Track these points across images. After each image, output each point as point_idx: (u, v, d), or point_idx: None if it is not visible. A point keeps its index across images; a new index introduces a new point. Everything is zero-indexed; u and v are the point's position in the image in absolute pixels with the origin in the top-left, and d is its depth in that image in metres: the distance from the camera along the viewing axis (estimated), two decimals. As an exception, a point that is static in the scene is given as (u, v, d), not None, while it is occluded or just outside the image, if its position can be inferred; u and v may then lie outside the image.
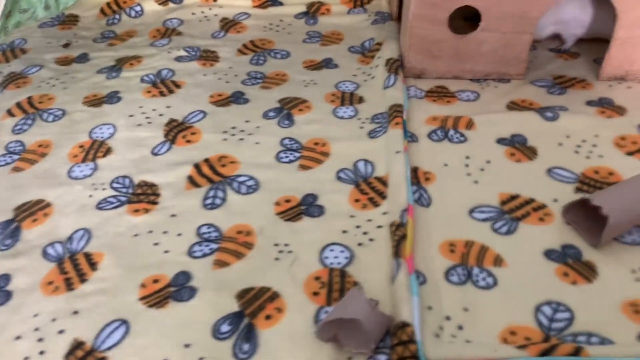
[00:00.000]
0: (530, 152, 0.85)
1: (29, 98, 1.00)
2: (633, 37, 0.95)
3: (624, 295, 0.65)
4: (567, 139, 0.87)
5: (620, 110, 0.93)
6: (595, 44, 1.09)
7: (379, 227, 0.74)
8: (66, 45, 1.16)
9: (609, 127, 0.89)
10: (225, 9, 1.26)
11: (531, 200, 0.77)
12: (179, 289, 0.67)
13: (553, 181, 0.80)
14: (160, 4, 1.27)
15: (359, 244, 0.72)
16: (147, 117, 0.94)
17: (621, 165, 0.82)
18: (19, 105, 0.98)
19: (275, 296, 0.66)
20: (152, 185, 0.82)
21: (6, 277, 0.70)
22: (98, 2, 1.27)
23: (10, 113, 0.97)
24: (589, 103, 0.95)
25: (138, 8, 1.25)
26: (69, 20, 1.25)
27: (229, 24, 1.22)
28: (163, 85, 1.03)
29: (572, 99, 0.96)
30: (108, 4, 1.26)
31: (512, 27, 0.95)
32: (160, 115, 0.95)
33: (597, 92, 0.98)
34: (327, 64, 1.08)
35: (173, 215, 0.77)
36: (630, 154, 0.84)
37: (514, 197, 0.78)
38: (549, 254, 0.70)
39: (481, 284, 0.66)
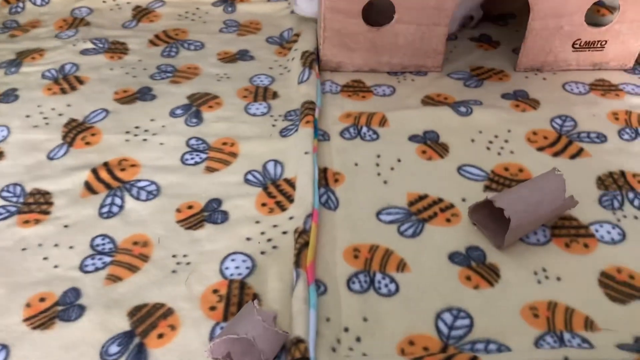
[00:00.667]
0: (442, 149, 0.84)
1: None
2: (547, 28, 0.95)
3: (524, 298, 0.65)
4: (479, 134, 0.86)
5: (534, 104, 0.92)
6: (516, 32, 1.08)
7: (284, 233, 0.71)
8: (-37, 37, 1.08)
9: (522, 121, 0.89)
10: (139, -3, 1.19)
11: (439, 200, 0.76)
12: (66, 307, 0.63)
13: (463, 179, 0.79)
14: (67, -9, 1.19)
15: (262, 253, 0.69)
16: (45, 118, 0.88)
17: (531, 161, 0.82)
18: None
19: (169, 313, 0.63)
20: (45, 194, 0.77)
21: None
22: (-1, -12, 1.18)
23: None
24: (504, 96, 0.94)
25: (43, -5, 1.17)
26: (-32, 9, 1.16)
27: (141, 13, 1.16)
28: (65, 81, 0.96)
29: (488, 92, 0.95)
30: (10, -9, 1.18)
31: (427, 19, 0.93)
32: (60, 115, 0.89)
33: (513, 84, 0.97)
34: (243, 55, 1.04)
35: (66, 226, 0.72)
36: (540, 149, 0.84)
37: (422, 197, 0.76)
38: (453, 257, 0.69)
39: (383, 291, 0.65)
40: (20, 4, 1.17)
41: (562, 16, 0.93)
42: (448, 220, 0.73)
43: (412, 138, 0.85)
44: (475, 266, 0.68)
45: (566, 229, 0.72)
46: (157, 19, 1.14)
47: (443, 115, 0.89)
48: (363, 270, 0.67)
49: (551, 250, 0.70)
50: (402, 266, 0.68)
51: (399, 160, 0.82)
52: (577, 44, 0.97)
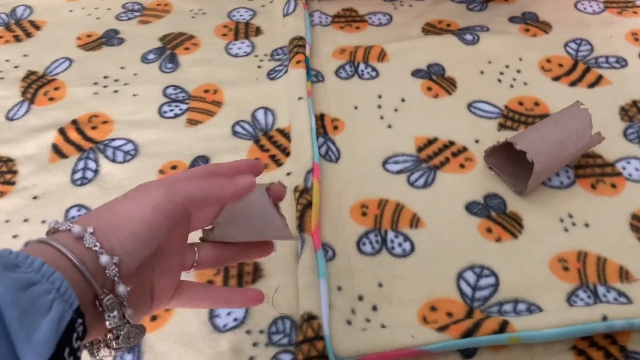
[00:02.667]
0: (449, 85, 0.75)
1: None
2: (558, -60, 0.85)
3: (551, 249, 0.59)
4: (488, 65, 0.78)
5: (545, 27, 0.84)
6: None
7: (282, 191, 0.64)
8: None
9: (533, 48, 0.80)
10: None
11: (450, 144, 0.69)
12: (45, 292, 0.56)
13: (474, 118, 0.72)
14: None
15: (259, 215, 0.62)
16: (-2, 71, 0.78)
17: (547, 93, 0.74)
18: None
19: (161, 290, 0.56)
20: (7, 161, 0.68)
21: None
22: None
23: None
24: (512, 19, 0.85)
25: None
26: None
27: (99, -58, 1.02)
28: (18, 27, 0.85)
29: (494, 15, 0.86)
30: None
31: None
32: (16, 67, 0.79)
33: (521, 5, 0.88)
34: (218, -13, 0.93)
35: (35, 198, 0.64)
36: (556, 78, 0.76)
37: (431, 142, 0.69)
38: (471, 208, 0.62)
39: (397, 251, 0.59)
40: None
41: None
42: (462, 165, 0.66)
43: (416, 73, 0.77)
44: (496, 216, 0.62)
45: (591, 168, 0.66)
46: (117, -52, 1.01)
47: (448, 44, 0.80)
48: (373, 229, 0.60)
49: (576, 194, 0.64)
50: (415, 221, 0.61)
51: (402, 100, 0.73)
52: (590, -44, 0.87)
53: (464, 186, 0.64)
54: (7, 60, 0.79)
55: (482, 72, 0.77)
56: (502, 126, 0.70)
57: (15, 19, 0.86)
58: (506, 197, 0.63)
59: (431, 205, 0.63)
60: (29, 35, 0.84)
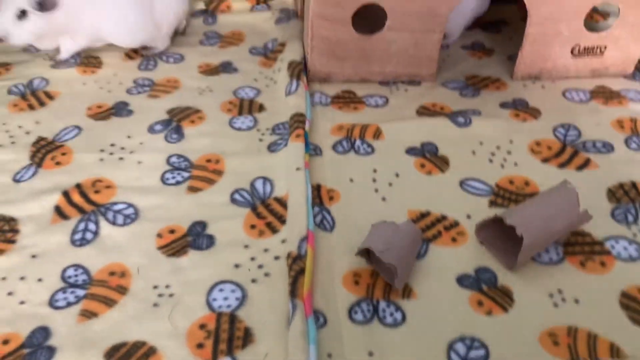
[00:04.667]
0: (441, 163, 0.78)
1: None
2: (545, 34, 0.91)
3: (542, 324, 0.59)
4: (480, 146, 0.81)
5: (534, 113, 0.88)
6: (510, 39, 1.04)
7: (277, 258, 0.65)
8: None
9: (523, 131, 0.84)
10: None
11: (443, 218, 0.70)
12: (34, 350, 0.56)
13: (466, 194, 0.74)
14: (37, 1, 1.12)
15: (253, 281, 0.63)
16: (10, 136, 0.81)
17: (537, 174, 0.77)
18: None
19: (151, 352, 0.56)
20: (10, 220, 0.69)
21: None
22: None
23: None
24: (503, 105, 0.90)
25: (11, 7, 1.10)
26: None
27: (116, 24, 1.09)
28: (33, 97, 0.89)
29: (486, 101, 0.90)
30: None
31: (420, 25, 0.88)
32: (27, 133, 0.82)
33: (512, 93, 0.93)
34: (226, 68, 0.98)
35: (34, 256, 0.65)
36: (545, 160, 0.79)
37: (424, 215, 0.71)
38: (462, 280, 0.63)
39: (388, 320, 0.59)
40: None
41: (561, 21, 0.89)
42: (454, 239, 0.68)
43: (410, 151, 0.80)
44: (487, 290, 0.62)
45: (580, 246, 0.67)
46: (133, 30, 1.08)
47: (441, 126, 0.84)
48: (365, 298, 0.61)
49: (566, 270, 0.65)
50: (407, 292, 0.62)
51: (397, 175, 0.76)
52: (575, 50, 0.93)
53: (455, 259, 0.66)
54: (19, 127, 0.83)
55: (473, 152, 0.80)
56: (493, 203, 0.73)
57: (31, 89, 0.91)
58: (497, 271, 0.64)
59: (423, 276, 0.63)
60: (42, 104, 0.88)
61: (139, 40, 0.97)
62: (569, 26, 0.90)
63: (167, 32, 1.01)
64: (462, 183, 0.75)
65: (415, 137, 0.82)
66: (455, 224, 0.70)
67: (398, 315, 0.59)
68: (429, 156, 0.79)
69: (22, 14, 0.87)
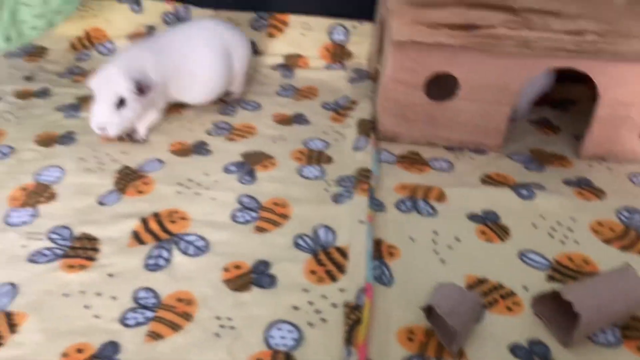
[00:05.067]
0: (502, 232, 0.80)
1: (-22, 131, 0.94)
2: (614, 117, 0.92)
3: (593, 404, 0.59)
4: (542, 220, 0.82)
5: (599, 193, 0.89)
6: (577, 118, 1.06)
7: (334, 305, 0.68)
8: (29, 78, 1.11)
9: (586, 210, 0.85)
10: (201, 53, 1.21)
11: (500, 286, 0.71)
12: (103, 362, 0.60)
13: (524, 266, 0.75)
14: (133, 42, 1.22)
15: (310, 324, 0.65)
16: (99, 163, 0.88)
17: (598, 254, 0.77)
18: (-36, 138, 0.92)
19: (209, 379, 0.59)
20: (92, 239, 0.75)
21: None
22: (68, 35, 1.22)
23: (-46, 146, 0.90)
24: (567, 182, 0.91)
25: (110, 45, 1.21)
26: (37, 52, 1.20)
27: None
28: (122, 128, 0.97)
29: (550, 177, 0.92)
30: (79, 39, 1.22)
31: (491, 97, 0.92)
32: (114, 161, 0.89)
33: (576, 171, 0.94)
34: (298, 119, 1.04)
35: (110, 275, 0.70)
36: (607, 241, 0.79)
37: (482, 281, 0.72)
38: (515, 350, 0.64)
39: (439, 380, 0.60)
40: (87, 52, 1.20)
41: (632, 105, 0.91)
42: (509, 308, 0.69)
43: (472, 217, 0.82)
44: (539, 362, 0.63)
45: (638, 331, 0.67)
46: (217, 76, 1.16)
47: (504, 196, 0.86)
48: (418, 355, 0.62)
49: (622, 354, 0.64)
50: (459, 354, 0.63)
51: (457, 239, 0.78)
52: (644, 135, 0.94)
53: (509, 328, 0.66)
54: (107, 154, 0.90)
55: (534, 225, 0.81)
56: (550, 278, 0.73)
57: (121, 121, 0.98)
58: (551, 345, 0.65)
59: (476, 341, 0.64)
60: (129, 136, 0.95)
61: (218, 94, 1.03)
62: (639, 111, 0.91)
63: (241, 79, 1.07)
64: (521, 254, 0.76)
65: (477, 204, 0.84)
66: (512, 293, 0.71)
67: (448, 376, 0.60)
68: (490, 224, 0.81)
69: (121, 103, 0.86)
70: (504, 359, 0.63)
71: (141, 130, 0.94)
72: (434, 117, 0.95)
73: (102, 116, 0.86)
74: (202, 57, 0.96)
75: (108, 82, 0.86)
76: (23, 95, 1.05)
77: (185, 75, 0.95)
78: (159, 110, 0.96)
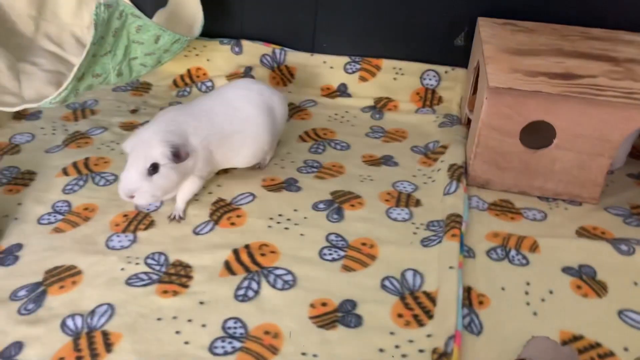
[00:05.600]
0: (599, 288, 0.76)
1: (86, 159, 1.00)
2: None
3: None
4: (643, 278, 0.78)
5: None
6: (681, 175, 1.01)
7: (421, 351, 0.66)
8: (134, 111, 1.19)
9: (693, 270, 0.79)
10: (294, 95, 1.26)
11: (597, 345, 0.68)
12: (191, 388, 0.62)
13: (624, 325, 0.71)
14: (229, 80, 1.28)
15: (396, 367, 0.64)
16: (195, 194, 0.92)
17: None
18: (74, 165, 0.99)
19: (293, 415, 0.59)
20: (186, 267, 0.78)
21: (19, 345, 0.66)
22: (172, 72, 1.30)
23: (65, 172, 0.97)
24: (671, 242, 0.86)
25: (209, 83, 1.27)
26: (142, 87, 1.28)
27: (294, 110, 1.21)
28: (218, 162, 1.01)
29: (652, 234, 0.87)
30: (181, 76, 1.29)
31: (589, 147, 0.89)
32: (210, 193, 0.93)
33: (681, 231, 0.89)
34: (387, 161, 1.05)
35: (201, 303, 0.72)
36: None
37: (577, 338, 0.69)
38: (615, 415, 0.60)
39: None
40: (188, 89, 1.27)
41: None
42: (608, 369, 0.65)
43: (566, 270, 0.79)
44: None
45: None
46: (308, 117, 1.19)
47: (601, 250, 0.82)
48: (508, 410, 0.60)
49: None
50: (553, 414, 0.60)
51: (550, 292, 0.75)
52: None
53: (608, 391, 0.63)
54: (203, 187, 0.94)
55: (635, 283, 0.77)
56: (654, 340, 0.69)
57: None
58: (655, 414, 0.60)
59: (571, 401, 0.61)
60: (225, 170, 0.99)
61: (262, 158, 0.97)
62: None
63: (275, 143, 1.00)
64: (620, 313, 0.72)
65: (573, 257, 0.81)
66: (611, 353, 0.67)
67: None
68: (586, 278, 0.77)
69: (154, 169, 0.78)
70: (602, 423, 0.59)
71: (180, 204, 0.87)
72: (528, 165, 0.93)
73: (130, 182, 0.78)
74: (248, 115, 0.90)
75: (142, 146, 0.78)
76: (128, 127, 1.13)
77: (232, 137, 0.88)
78: (201, 179, 0.87)
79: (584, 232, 0.87)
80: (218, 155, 0.88)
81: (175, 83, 1.29)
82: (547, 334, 0.68)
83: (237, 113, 0.89)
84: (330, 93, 1.26)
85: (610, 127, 0.87)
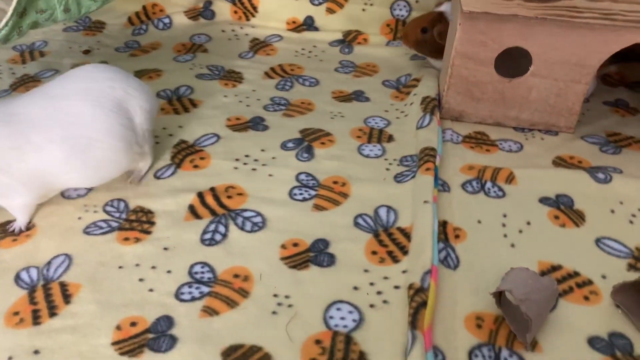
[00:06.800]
0: (577, 217, 0.74)
1: (36, 103, 0.94)
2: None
3: (684, 405, 0.54)
4: (620, 205, 0.76)
5: (683, 178, 0.82)
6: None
7: (396, 287, 0.64)
8: (87, 52, 1.11)
9: (669, 196, 0.78)
10: (258, 30, 1.19)
11: (575, 274, 0.66)
12: (157, 336, 0.58)
13: (602, 254, 0.69)
14: (190, 18, 1.21)
15: (371, 306, 0.62)
16: (155, 136, 0.86)
17: (683, 243, 0.71)
18: (24, 109, 0.92)
19: (266, 358, 0.56)
20: (148, 212, 0.73)
21: (-30, 301, 0.62)
22: (126, 10, 1.21)
23: (13, 117, 0.90)
24: (647, 167, 0.84)
25: (167, 20, 1.19)
26: (95, 27, 1.20)
27: (259, 45, 1.15)
28: (179, 102, 0.95)
29: (628, 161, 0.85)
30: (137, 14, 1.21)
31: (566, 74, 0.86)
32: (170, 135, 0.87)
33: (656, 154, 0.87)
34: (358, 96, 1.00)
35: (165, 249, 0.68)
36: (694, 230, 0.73)
37: (555, 268, 0.67)
38: (594, 343, 0.59)
39: (510, 371, 0.56)
40: (144, 27, 1.19)
41: None
42: (586, 298, 0.64)
43: (543, 200, 0.77)
44: (621, 357, 0.57)
45: None
46: (274, 52, 1.13)
47: (578, 179, 0.80)
48: (487, 344, 0.58)
49: None
50: (532, 344, 0.58)
51: (528, 223, 0.73)
52: None
53: (587, 319, 0.61)
54: (164, 129, 0.88)
55: (612, 211, 0.75)
56: (631, 267, 0.68)
57: (178, 95, 0.97)
58: (634, 339, 0.59)
59: (551, 331, 0.60)
60: (186, 110, 0.93)
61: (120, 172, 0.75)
62: None
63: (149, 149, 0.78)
64: (598, 241, 0.71)
65: (550, 187, 0.79)
66: (589, 282, 0.65)
67: (521, 367, 0.56)
68: (564, 208, 0.75)
69: None
70: (582, 351, 0.58)
71: (19, 218, 0.71)
72: (504, 95, 0.89)
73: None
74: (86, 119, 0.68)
75: None
76: (82, 69, 1.05)
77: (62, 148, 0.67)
78: (22, 203, 0.70)
79: (560, 162, 0.84)
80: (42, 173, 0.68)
81: (130, 21, 1.20)
82: (525, 265, 0.66)
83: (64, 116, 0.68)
84: (297, 27, 1.19)
85: (588, 51, 0.83)
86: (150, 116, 0.76)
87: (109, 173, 0.73)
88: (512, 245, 0.70)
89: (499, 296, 0.61)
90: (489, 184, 0.79)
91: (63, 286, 0.64)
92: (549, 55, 0.84)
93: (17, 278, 0.65)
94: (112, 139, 0.69)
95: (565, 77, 0.86)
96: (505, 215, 0.74)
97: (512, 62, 0.87)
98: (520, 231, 0.72)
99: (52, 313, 0.61)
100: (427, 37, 0.99)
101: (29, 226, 0.71)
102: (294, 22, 1.19)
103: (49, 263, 0.66)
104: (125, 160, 0.73)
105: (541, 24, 0.82)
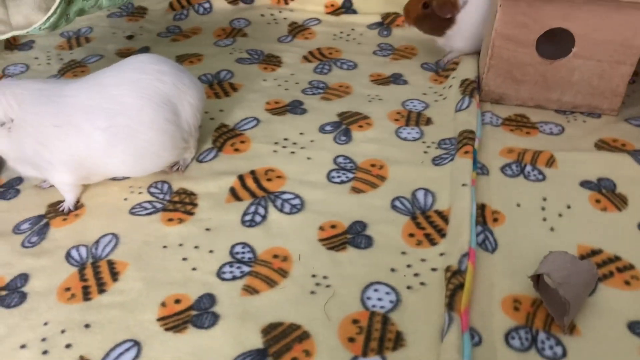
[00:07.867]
0: (619, 201, 0.73)
1: (83, 88, 0.97)
2: None
3: None
4: (665, 189, 0.75)
5: None
6: None
7: (434, 269, 0.65)
8: (130, 37, 1.14)
9: None
10: (296, 13, 1.20)
11: (616, 258, 0.66)
12: (200, 313, 0.61)
13: (645, 238, 0.68)
14: (230, 2, 1.22)
15: (408, 287, 0.63)
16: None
17: None
18: (72, 94, 0.95)
19: (305, 336, 0.58)
20: (190, 194, 0.76)
21: (24, 277, 0.65)
22: (168, -4, 1.24)
23: (62, 102, 0.94)
24: (695, 148, 0.82)
25: (207, 5, 1.21)
26: (137, 12, 1.22)
27: (297, 29, 1.16)
28: (219, 86, 0.97)
29: (675, 144, 0.83)
30: (178, -1, 1.23)
31: (610, 55, 0.84)
32: (212, 119, 0.89)
33: None
34: (396, 79, 1.00)
35: (208, 229, 0.71)
36: None
37: (595, 252, 0.66)
38: (634, 328, 0.58)
39: (547, 353, 0.56)
40: (185, 12, 1.21)
41: None
42: (627, 282, 0.63)
43: (584, 184, 0.76)
44: (662, 342, 0.57)
45: None
46: (312, 36, 1.14)
47: (621, 162, 0.79)
48: (524, 326, 0.58)
49: None
50: (570, 327, 0.58)
51: (568, 207, 0.72)
52: None
53: (627, 304, 0.61)
54: (206, 112, 0.90)
55: (657, 195, 0.74)
56: (676, 252, 0.66)
57: (218, 80, 0.99)
58: (676, 325, 0.59)
59: (590, 314, 0.59)
60: (227, 94, 0.95)
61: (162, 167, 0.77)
62: None
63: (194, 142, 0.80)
64: (640, 225, 0.70)
65: (591, 171, 0.77)
66: (630, 266, 0.65)
67: (558, 350, 0.56)
68: (606, 192, 0.74)
69: None
70: (621, 335, 0.58)
71: (67, 197, 0.74)
72: (545, 77, 0.88)
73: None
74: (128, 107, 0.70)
75: None
76: (124, 53, 1.08)
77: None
78: (62, 181, 0.73)
79: (603, 145, 0.83)
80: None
81: (171, 6, 1.23)
82: (564, 249, 0.66)
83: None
84: (335, 10, 1.19)
85: (634, 31, 0.81)
86: (199, 112, 0.77)
87: (151, 165, 0.74)
88: (552, 229, 0.69)
89: (537, 279, 0.61)
90: (528, 167, 0.78)
91: (111, 264, 0.67)
92: (593, 36, 0.82)
93: (68, 256, 0.68)
94: (155, 132, 0.71)
95: (610, 58, 0.84)
96: (545, 199, 0.73)
97: (555, 43, 0.86)
98: (560, 215, 0.71)
99: (101, 289, 0.64)
100: (429, 12, 0.97)
101: (78, 206, 0.75)
102: (332, 6, 1.20)
103: (97, 242, 0.69)
104: (167, 154, 0.74)
105: (584, 4, 0.80)
